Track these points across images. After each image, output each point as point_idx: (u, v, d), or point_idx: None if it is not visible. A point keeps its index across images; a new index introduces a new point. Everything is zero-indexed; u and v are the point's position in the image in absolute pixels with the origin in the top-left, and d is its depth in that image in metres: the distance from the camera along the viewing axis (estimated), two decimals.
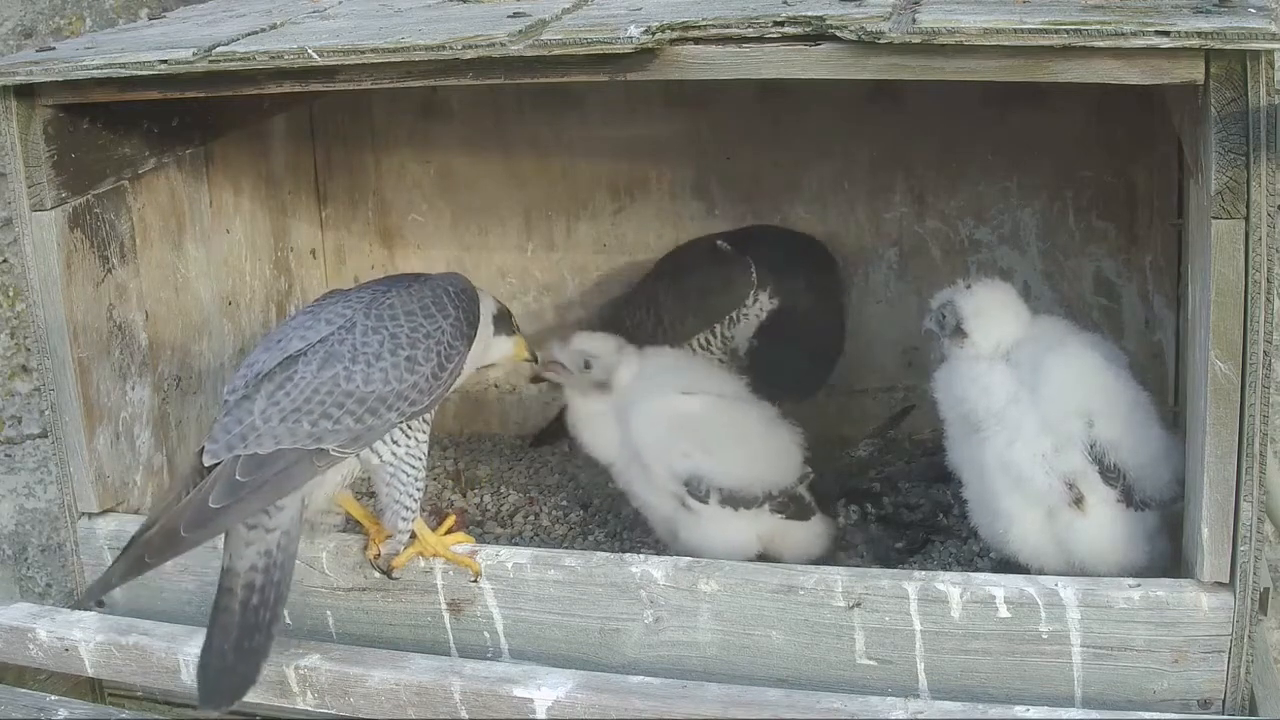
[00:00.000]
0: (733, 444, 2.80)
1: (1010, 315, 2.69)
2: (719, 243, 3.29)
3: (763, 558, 2.81)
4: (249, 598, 2.29)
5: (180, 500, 2.34)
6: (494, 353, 2.73)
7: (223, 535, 2.33)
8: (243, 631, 2.28)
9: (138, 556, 2.29)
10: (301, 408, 2.35)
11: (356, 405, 2.37)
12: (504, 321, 2.73)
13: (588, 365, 2.86)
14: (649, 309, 3.33)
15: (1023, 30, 2.07)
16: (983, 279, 2.83)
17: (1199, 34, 2.00)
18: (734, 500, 2.77)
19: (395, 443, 2.46)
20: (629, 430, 2.82)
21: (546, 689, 2.33)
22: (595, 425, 2.90)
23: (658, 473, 2.78)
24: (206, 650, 2.29)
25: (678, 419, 2.79)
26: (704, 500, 2.76)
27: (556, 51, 2.23)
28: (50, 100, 2.58)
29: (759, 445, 2.85)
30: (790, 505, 2.84)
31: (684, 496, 2.77)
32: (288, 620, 2.66)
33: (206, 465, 2.34)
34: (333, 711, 2.45)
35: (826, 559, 2.90)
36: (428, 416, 2.51)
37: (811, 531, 2.90)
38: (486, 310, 2.66)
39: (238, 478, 2.29)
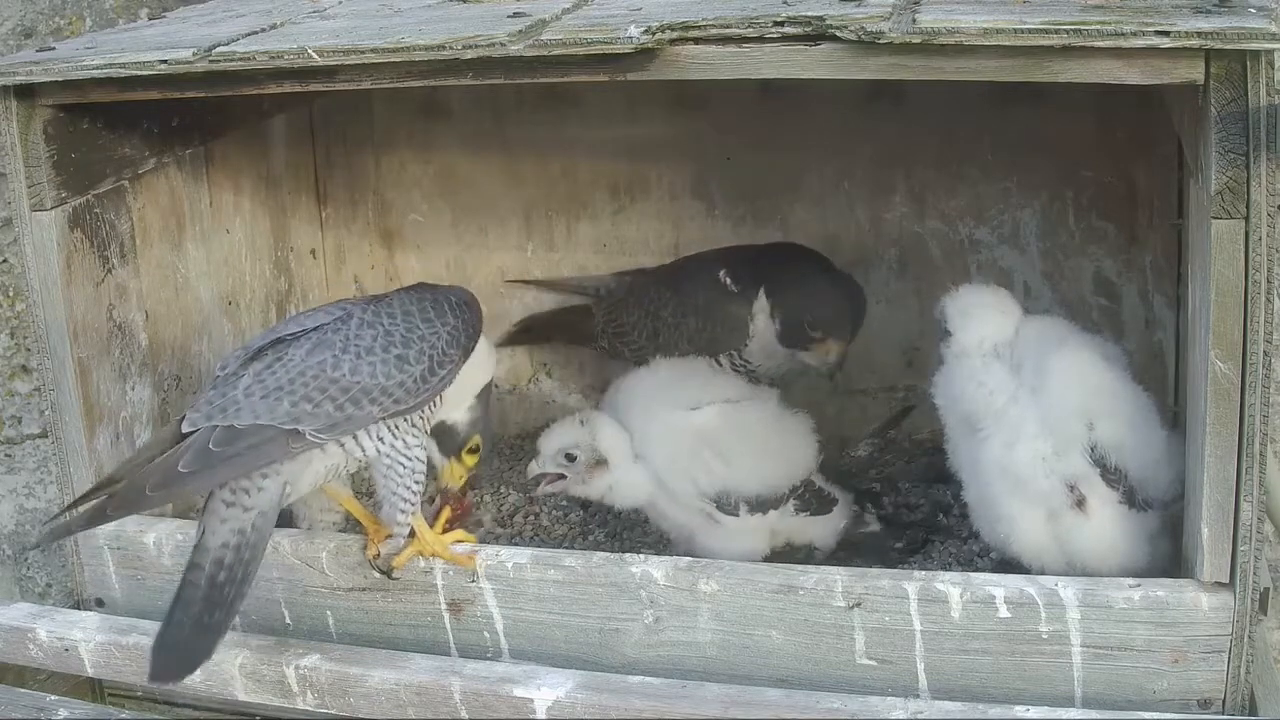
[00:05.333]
0: (753, 450, 2.79)
1: (992, 314, 2.70)
2: (721, 273, 3.22)
3: (786, 549, 2.83)
4: (217, 574, 2.28)
5: (152, 461, 2.34)
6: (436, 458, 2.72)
7: (200, 512, 2.34)
8: (205, 607, 2.26)
9: (99, 508, 2.30)
10: (284, 387, 2.36)
11: (339, 393, 2.38)
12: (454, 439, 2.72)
13: (571, 458, 2.80)
14: (647, 319, 3.32)
15: (1023, 30, 2.07)
16: (972, 281, 2.84)
17: (1199, 34, 2.00)
18: (762, 505, 2.77)
19: (379, 439, 2.47)
20: (645, 454, 2.80)
21: (546, 689, 2.33)
22: (621, 486, 2.83)
23: (683, 494, 2.77)
24: (166, 624, 2.27)
25: (695, 438, 2.77)
26: (734, 513, 2.76)
27: (556, 51, 2.23)
28: (50, 100, 2.58)
29: (776, 444, 2.84)
30: (813, 501, 2.85)
31: (712, 512, 2.76)
32: (288, 620, 2.66)
33: (184, 432, 2.35)
34: (333, 711, 2.45)
35: (851, 531, 2.94)
36: (417, 420, 2.51)
37: (834, 520, 2.92)
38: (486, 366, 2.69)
39: (210, 447, 2.29)
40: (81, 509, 2.35)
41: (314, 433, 2.35)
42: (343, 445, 2.43)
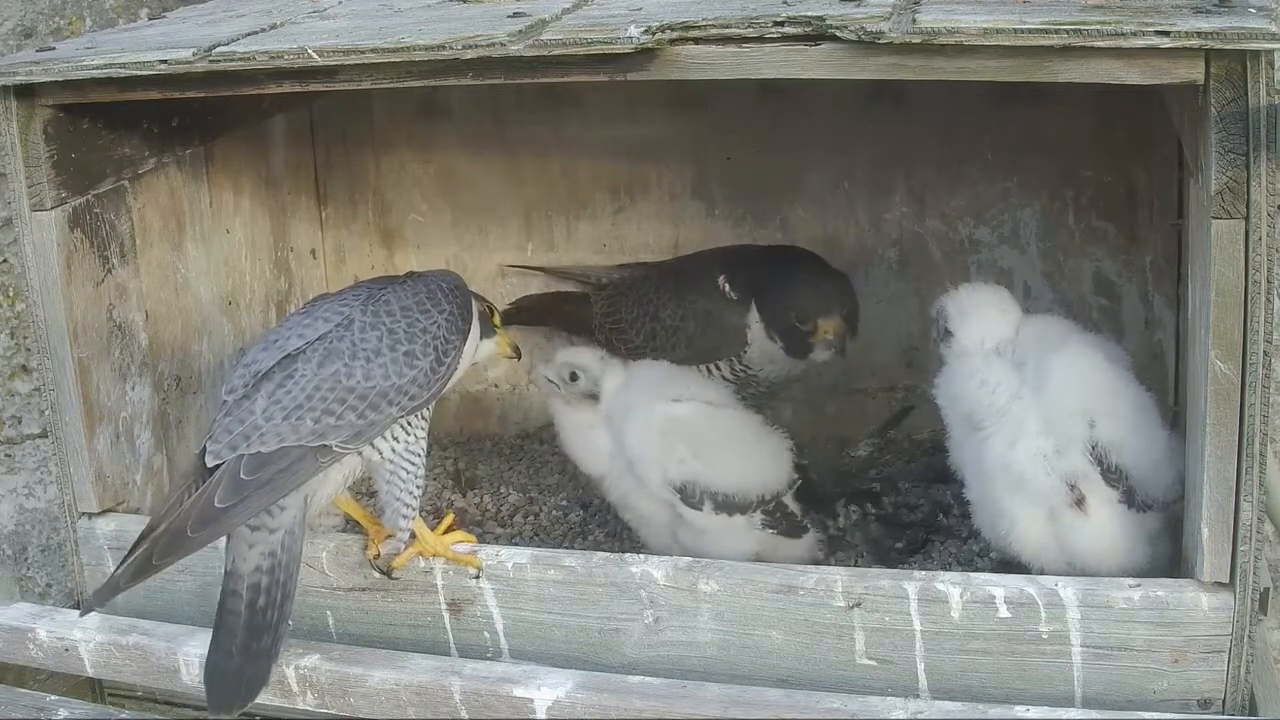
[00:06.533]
0: (725, 449, 2.80)
1: (993, 314, 2.70)
2: (721, 279, 3.20)
3: None
4: (255, 599, 2.29)
5: (184, 501, 2.33)
6: (481, 353, 2.72)
7: (225, 537, 2.33)
8: (250, 634, 2.28)
9: (145, 558, 2.28)
10: (304, 405, 2.35)
11: (358, 401, 2.38)
12: (486, 321, 2.73)
13: (574, 377, 2.87)
14: (646, 319, 3.31)
15: (1023, 30, 2.07)
16: (972, 281, 2.85)
17: (1199, 34, 2.00)
18: (728, 506, 2.76)
19: (395, 439, 2.47)
20: (621, 440, 2.82)
21: (546, 689, 2.33)
22: (584, 437, 2.90)
23: (652, 481, 2.77)
24: (214, 654, 2.28)
25: (670, 426, 2.78)
26: (698, 507, 2.75)
27: (556, 51, 2.23)
28: (50, 100, 2.58)
29: (751, 449, 2.85)
30: (782, 521, 2.84)
31: (677, 504, 2.76)
32: (288, 620, 2.66)
33: (209, 466, 2.34)
34: (333, 711, 2.45)
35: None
36: (426, 413, 2.52)
37: (802, 546, 2.90)
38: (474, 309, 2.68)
39: (242, 476, 2.29)
40: (127, 564, 2.32)
41: (341, 444, 2.36)
42: (361, 452, 2.43)
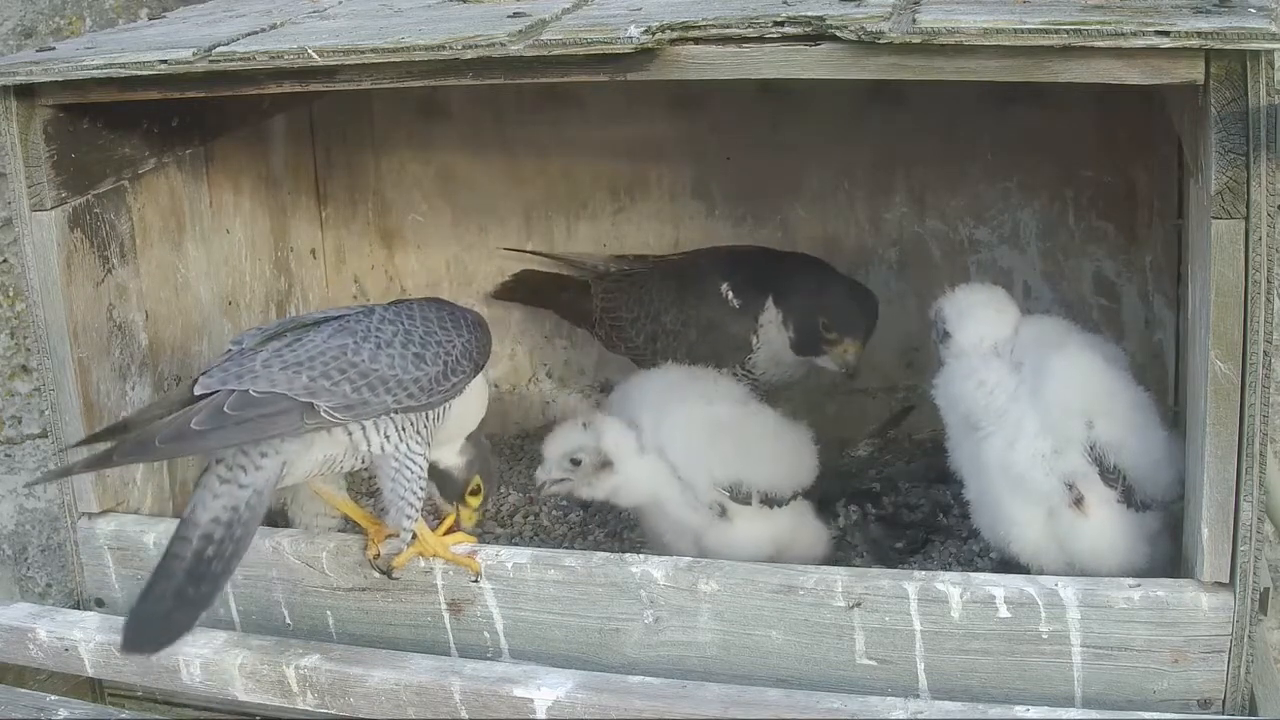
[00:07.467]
0: (764, 446, 2.81)
1: (991, 314, 2.71)
2: (724, 287, 3.20)
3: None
4: (204, 549, 2.28)
5: (162, 418, 2.33)
6: (474, 406, 2.69)
7: (194, 488, 2.34)
8: (188, 579, 2.25)
9: (106, 453, 2.30)
10: (304, 362, 2.38)
11: (358, 376, 2.39)
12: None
13: (575, 462, 2.78)
14: (648, 320, 3.30)
15: (1023, 30, 2.07)
16: (971, 282, 2.86)
17: (1199, 34, 2.00)
18: (771, 500, 2.78)
19: (386, 436, 2.47)
20: (663, 443, 2.78)
21: (546, 689, 2.33)
22: (626, 486, 2.82)
23: (698, 483, 2.76)
24: (144, 596, 2.26)
25: (711, 428, 2.79)
26: (747, 502, 2.76)
27: (556, 51, 2.23)
28: (50, 100, 2.58)
29: (784, 444, 2.86)
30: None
31: (725, 502, 2.76)
32: (288, 620, 2.66)
33: (196, 394, 2.34)
34: (333, 711, 2.45)
35: (827, 560, 2.91)
36: (422, 428, 2.52)
37: (819, 536, 2.91)
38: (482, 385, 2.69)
39: (226, 410, 2.29)
40: (86, 454, 2.33)
41: (329, 410, 2.35)
42: (350, 434, 2.44)
